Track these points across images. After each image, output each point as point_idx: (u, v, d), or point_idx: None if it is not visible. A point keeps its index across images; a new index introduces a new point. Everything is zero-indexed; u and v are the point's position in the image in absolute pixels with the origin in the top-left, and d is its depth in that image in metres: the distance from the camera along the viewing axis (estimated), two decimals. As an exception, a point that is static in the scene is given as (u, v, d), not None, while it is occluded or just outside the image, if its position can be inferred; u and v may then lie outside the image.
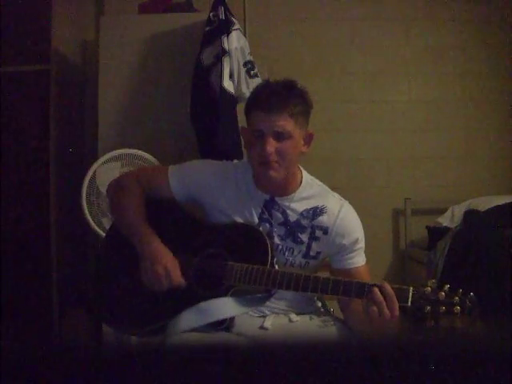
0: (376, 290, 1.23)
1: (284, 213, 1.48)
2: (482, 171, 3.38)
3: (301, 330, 1.42)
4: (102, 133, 2.67)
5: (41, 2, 2.84)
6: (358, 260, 1.49)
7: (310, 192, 1.51)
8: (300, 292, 1.33)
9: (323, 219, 1.48)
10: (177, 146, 2.65)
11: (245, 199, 1.49)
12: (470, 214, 2.82)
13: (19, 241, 2.83)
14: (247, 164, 1.53)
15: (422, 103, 3.39)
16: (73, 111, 3.10)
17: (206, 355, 0.59)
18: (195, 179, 1.52)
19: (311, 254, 1.49)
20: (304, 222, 1.48)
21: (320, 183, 1.56)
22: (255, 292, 1.40)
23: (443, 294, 1.20)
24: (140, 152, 2.45)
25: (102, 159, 2.40)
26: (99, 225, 2.33)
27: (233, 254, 1.40)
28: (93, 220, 2.33)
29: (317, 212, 1.48)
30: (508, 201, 2.77)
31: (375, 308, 1.22)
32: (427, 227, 3.03)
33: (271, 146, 1.38)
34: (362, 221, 1.52)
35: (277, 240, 1.47)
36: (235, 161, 1.65)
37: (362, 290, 1.26)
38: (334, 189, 1.56)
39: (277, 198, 1.49)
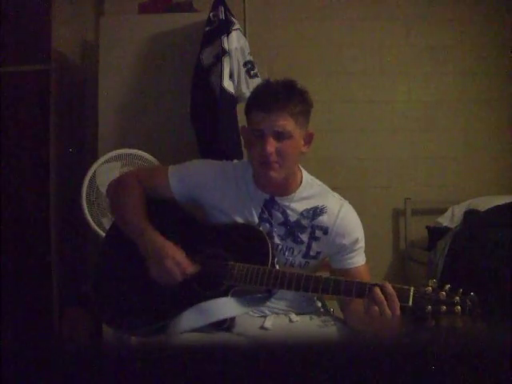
0: (377, 289, 1.23)
1: (284, 213, 1.48)
2: (482, 171, 3.38)
3: (301, 330, 1.43)
4: (101, 133, 2.68)
5: (41, 2, 2.84)
6: (358, 260, 1.49)
7: (310, 192, 1.51)
8: (301, 292, 1.33)
9: (323, 219, 1.48)
10: (177, 145, 2.65)
11: (245, 199, 1.49)
12: (470, 214, 2.82)
13: (19, 240, 2.83)
14: (247, 164, 1.54)
15: (422, 103, 3.39)
16: (73, 111, 3.10)
17: (207, 355, 0.59)
18: (195, 179, 1.52)
19: (311, 253, 1.49)
20: (304, 222, 1.48)
21: (320, 183, 1.56)
22: (256, 292, 1.40)
23: (444, 293, 1.20)
24: (140, 152, 2.45)
25: (101, 159, 2.40)
26: (99, 225, 2.33)
27: (233, 254, 1.40)
28: (93, 220, 2.33)
29: (317, 212, 1.48)
30: (508, 201, 2.77)
31: (376, 308, 1.22)
32: (427, 227, 3.03)
33: (271, 145, 1.38)
34: (362, 221, 1.52)
35: (277, 240, 1.47)
36: (235, 161, 1.65)
37: (363, 290, 1.26)
38: (334, 189, 1.56)
39: (277, 198, 1.49)
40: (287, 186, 1.49)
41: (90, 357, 0.59)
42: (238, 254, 1.40)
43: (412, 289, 1.23)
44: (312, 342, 0.63)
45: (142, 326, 1.42)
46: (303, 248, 1.48)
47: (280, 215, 1.48)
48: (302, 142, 1.46)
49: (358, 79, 3.34)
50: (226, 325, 1.35)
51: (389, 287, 1.23)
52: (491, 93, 3.39)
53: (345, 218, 1.49)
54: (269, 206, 1.49)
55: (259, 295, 1.41)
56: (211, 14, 2.49)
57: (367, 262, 1.51)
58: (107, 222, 2.27)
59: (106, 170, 2.36)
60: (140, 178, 1.56)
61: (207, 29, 2.49)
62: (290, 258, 1.48)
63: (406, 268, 3.31)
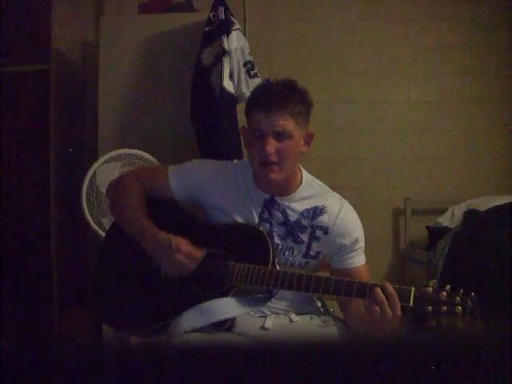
0: (378, 289, 1.23)
1: (284, 212, 1.48)
2: (482, 171, 3.38)
3: (301, 329, 1.43)
4: (101, 133, 2.67)
5: (41, 2, 2.84)
6: (358, 260, 1.49)
7: (310, 192, 1.51)
8: (302, 292, 1.33)
9: (323, 219, 1.48)
10: (177, 146, 2.65)
11: (245, 199, 1.49)
12: (469, 214, 2.82)
13: (19, 241, 2.83)
14: (247, 163, 1.54)
15: (422, 103, 3.39)
16: (73, 111, 3.09)
17: (207, 355, 0.59)
18: (195, 179, 1.52)
19: (311, 253, 1.49)
20: (304, 222, 1.48)
21: (320, 183, 1.56)
22: (256, 292, 1.40)
23: (445, 294, 1.20)
24: (140, 152, 2.45)
25: (101, 159, 2.40)
26: (99, 225, 2.33)
27: (234, 254, 1.40)
28: (93, 220, 2.33)
29: (317, 212, 1.48)
30: (508, 201, 2.77)
31: (377, 308, 1.22)
32: (427, 227, 3.03)
33: (271, 145, 1.38)
34: (362, 221, 1.52)
35: (277, 240, 1.47)
36: (235, 161, 1.65)
37: (363, 290, 1.26)
38: (334, 189, 1.56)
39: (277, 198, 1.49)
40: (287, 186, 1.49)
41: (89, 357, 0.59)
42: (238, 254, 1.40)
43: (413, 289, 1.23)
44: (313, 342, 0.63)
45: (142, 327, 1.42)
46: (303, 248, 1.48)
47: (280, 215, 1.48)
48: (302, 142, 1.46)
49: (358, 79, 3.34)
50: (226, 325, 1.35)
51: (390, 287, 1.23)
52: (491, 93, 3.39)
53: (345, 217, 1.49)
54: (269, 205, 1.49)
55: (260, 295, 1.41)
56: (211, 14, 2.49)
57: (367, 261, 1.51)
58: (107, 222, 2.27)
59: (105, 170, 2.36)
60: (140, 178, 1.56)
61: (207, 29, 2.49)
62: (290, 258, 1.48)
63: (406, 268, 3.31)
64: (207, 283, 1.39)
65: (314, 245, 1.48)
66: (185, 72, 2.59)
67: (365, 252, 1.52)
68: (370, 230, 1.57)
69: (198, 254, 1.38)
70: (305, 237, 1.48)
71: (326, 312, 1.60)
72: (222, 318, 1.33)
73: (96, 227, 2.33)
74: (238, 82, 2.48)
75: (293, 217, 1.48)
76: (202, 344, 1.21)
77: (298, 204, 1.49)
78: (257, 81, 2.44)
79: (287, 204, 1.49)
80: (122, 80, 2.69)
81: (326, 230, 1.47)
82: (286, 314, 1.49)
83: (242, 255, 1.39)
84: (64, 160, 2.91)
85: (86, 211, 2.33)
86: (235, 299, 1.36)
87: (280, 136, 1.39)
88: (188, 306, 1.35)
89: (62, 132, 2.91)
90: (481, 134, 3.39)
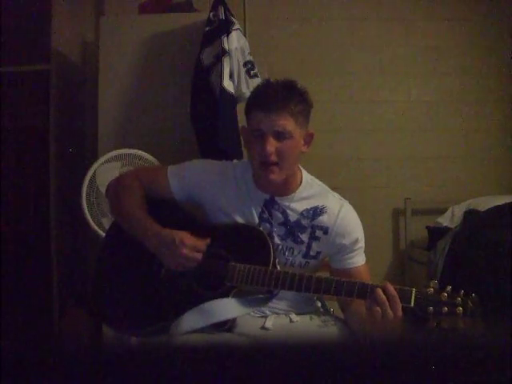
0: (379, 290, 1.23)
1: (284, 213, 1.48)
2: (482, 171, 3.38)
3: (302, 330, 1.43)
4: (101, 133, 2.67)
5: (41, 2, 2.84)
6: (358, 260, 1.49)
7: (310, 192, 1.51)
8: (302, 293, 1.33)
9: (323, 219, 1.48)
10: (177, 145, 2.65)
11: (245, 199, 1.49)
12: (469, 214, 2.82)
13: (19, 241, 2.83)
14: (247, 163, 1.54)
15: (422, 103, 3.39)
16: (73, 111, 3.09)
17: (208, 355, 0.59)
18: (195, 179, 1.52)
19: (311, 253, 1.49)
20: (304, 222, 1.47)
21: (320, 183, 1.56)
22: (257, 293, 1.40)
23: (445, 294, 1.20)
24: (140, 152, 2.45)
25: (102, 159, 2.40)
26: (99, 225, 2.33)
27: (234, 255, 1.40)
28: (93, 220, 2.33)
29: (317, 212, 1.48)
30: (508, 201, 2.77)
31: (378, 309, 1.22)
32: (427, 227, 3.03)
33: (271, 145, 1.38)
34: (362, 221, 1.52)
35: (277, 240, 1.47)
36: (235, 160, 1.65)
37: (364, 291, 1.26)
38: (334, 189, 1.56)
39: (277, 198, 1.49)
40: (287, 186, 1.49)
41: (90, 357, 0.59)
42: (239, 255, 1.39)
43: (414, 290, 1.23)
44: (313, 342, 0.63)
45: (143, 327, 1.42)
46: (303, 248, 1.48)
47: (280, 215, 1.48)
48: (302, 142, 1.46)
49: (358, 79, 3.34)
50: (227, 326, 1.35)
51: (391, 288, 1.23)
52: (491, 93, 3.39)
53: (345, 217, 1.48)
54: (269, 205, 1.48)
55: (260, 296, 1.40)
56: (211, 14, 2.49)
57: (367, 261, 1.51)
58: (107, 222, 2.27)
59: (105, 169, 2.36)
60: (139, 178, 1.56)
61: (207, 29, 2.49)
62: (290, 258, 1.48)
63: (406, 268, 3.31)
64: (208, 283, 1.38)
65: (314, 245, 1.48)
66: (185, 72, 2.59)
67: (365, 252, 1.51)
68: (369, 230, 1.57)
69: (202, 244, 1.38)
70: (305, 237, 1.48)
71: (326, 312, 1.60)
72: (222, 318, 1.33)
73: (96, 227, 2.32)
74: (238, 82, 2.48)
75: (293, 217, 1.48)
76: (202, 344, 1.21)
77: (297, 204, 1.49)
78: (257, 81, 2.44)
79: (287, 204, 1.48)
80: (121, 80, 2.69)
81: (326, 230, 1.47)
82: (286, 314, 1.49)
83: (242, 256, 1.39)
84: (64, 160, 2.91)
85: (86, 211, 2.33)
86: (236, 300, 1.36)
87: (280, 136, 1.39)
88: (188, 307, 1.34)
89: (62, 132, 2.91)
90: (481, 134, 3.39)
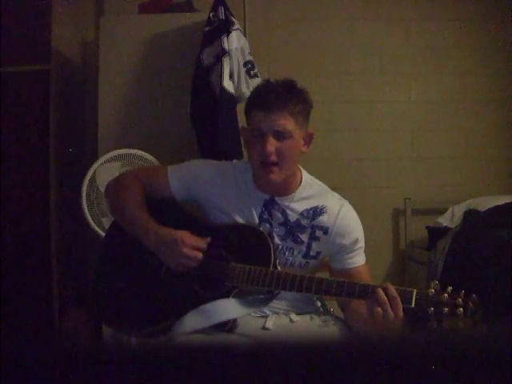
0: (380, 290, 1.23)
1: (284, 213, 1.48)
2: (482, 171, 3.38)
3: (302, 329, 1.43)
4: (101, 133, 2.67)
5: (41, 2, 2.84)
6: (358, 260, 1.49)
7: (310, 192, 1.51)
8: (303, 293, 1.33)
9: (323, 219, 1.48)
10: (177, 146, 2.65)
11: (245, 199, 1.49)
12: (469, 214, 2.82)
13: (19, 241, 2.83)
14: (247, 163, 1.53)
15: (422, 103, 3.39)
16: (73, 111, 3.09)
17: (210, 356, 0.59)
18: (195, 179, 1.52)
19: (311, 253, 1.49)
20: (304, 222, 1.47)
21: (320, 183, 1.56)
22: (257, 293, 1.39)
23: (446, 295, 1.20)
24: (140, 152, 2.45)
25: (102, 159, 2.40)
26: (99, 225, 2.33)
27: (235, 255, 1.40)
28: (93, 220, 2.33)
29: (317, 212, 1.48)
30: (508, 201, 2.77)
31: (379, 309, 1.22)
32: (427, 227, 3.03)
33: (271, 145, 1.38)
34: (361, 221, 1.52)
35: (277, 240, 1.47)
36: (235, 160, 1.64)
37: (365, 292, 1.26)
38: (333, 189, 1.56)
39: (277, 198, 1.49)
40: (287, 186, 1.49)
41: (90, 357, 0.59)
42: (239, 255, 1.39)
43: (415, 291, 1.23)
44: (314, 342, 0.63)
45: (143, 328, 1.41)
46: (303, 248, 1.48)
47: (280, 215, 1.48)
48: (302, 142, 1.46)
49: (358, 79, 3.34)
50: (228, 326, 1.35)
51: (391, 289, 1.23)
52: (491, 93, 3.39)
53: (345, 217, 1.49)
54: (269, 206, 1.48)
55: (261, 296, 1.40)
56: (211, 14, 2.49)
57: (367, 261, 1.51)
58: (107, 222, 2.27)
59: (105, 170, 2.36)
60: (139, 178, 1.55)
61: (207, 29, 2.48)
62: (290, 259, 1.48)
63: (406, 268, 3.31)
64: (208, 284, 1.38)
65: (314, 245, 1.48)
66: (185, 72, 2.59)
67: (365, 252, 1.52)
68: (369, 230, 1.57)
69: (202, 243, 1.38)
70: (305, 237, 1.48)
71: (326, 312, 1.60)
72: (223, 319, 1.33)
73: (96, 227, 2.32)
74: (238, 81, 2.48)
75: (293, 217, 1.48)
76: (203, 345, 1.22)
77: (297, 204, 1.49)
78: (257, 81, 2.43)
79: (287, 204, 1.48)
80: (121, 80, 2.69)
81: (325, 230, 1.47)
82: (286, 314, 1.49)
83: (242, 256, 1.39)
84: (64, 160, 2.91)
85: (86, 211, 2.33)
86: (236, 300, 1.36)
87: (280, 135, 1.39)
88: (189, 307, 1.34)
89: (62, 132, 2.91)
90: (481, 134, 3.39)
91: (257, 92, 1.48)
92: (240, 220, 1.47)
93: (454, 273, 2.53)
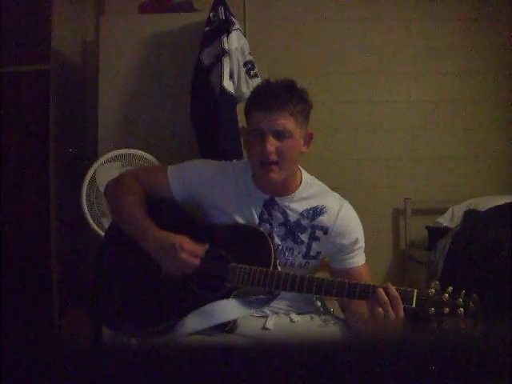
0: (381, 290, 1.23)
1: (284, 213, 1.48)
2: (482, 171, 3.38)
3: (303, 329, 1.43)
4: (101, 133, 2.67)
5: (41, 2, 2.84)
6: (358, 260, 1.49)
7: (310, 192, 1.51)
8: (304, 294, 1.33)
9: (323, 219, 1.47)
10: (177, 146, 2.65)
11: (245, 199, 1.49)
12: (469, 214, 2.82)
13: (19, 240, 2.83)
14: (247, 163, 1.53)
15: (422, 103, 3.39)
16: (73, 111, 3.09)
17: (210, 357, 0.59)
18: (195, 179, 1.52)
19: (311, 254, 1.49)
20: (304, 222, 1.47)
21: (320, 183, 1.56)
22: (258, 293, 1.39)
23: (447, 295, 1.20)
24: (140, 152, 2.45)
25: (102, 159, 2.40)
26: (99, 225, 2.33)
27: (235, 256, 1.40)
28: (93, 220, 2.33)
29: (317, 212, 1.48)
30: (508, 201, 2.77)
31: (381, 309, 1.22)
32: (427, 227, 3.03)
33: (272, 144, 1.38)
34: (361, 221, 1.52)
35: (277, 240, 1.47)
36: (234, 160, 1.64)
37: (366, 292, 1.26)
38: (333, 189, 1.56)
39: (277, 198, 1.49)
40: (287, 186, 1.49)
41: (90, 357, 0.59)
42: (239, 256, 1.39)
43: (415, 291, 1.23)
44: (314, 342, 0.63)
45: (143, 329, 1.41)
46: (303, 248, 1.48)
47: (280, 215, 1.48)
48: (302, 142, 1.46)
49: (358, 79, 3.34)
50: (228, 327, 1.35)
51: (392, 289, 1.23)
52: (491, 93, 3.39)
53: (345, 217, 1.48)
54: (269, 206, 1.48)
55: (261, 297, 1.40)
56: (211, 14, 2.49)
57: (367, 261, 1.51)
58: (107, 222, 2.27)
59: (105, 170, 2.36)
60: (139, 178, 1.55)
61: (207, 29, 2.48)
62: (290, 259, 1.48)
63: (406, 268, 3.32)
64: (208, 285, 1.38)
65: (314, 245, 1.48)
66: (185, 72, 2.59)
67: (365, 252, 1.51)
68: (369, 230, 1.57)
69: (200, 250, 1.38)
70: (305, 237, 1.48)
71: (326, 311, 1.60)
72: (223, 320, 1.33)
73: (96, 227, 2.32)
74: (238, 81, 2.48)
75: (293, 217, 1.48)
76: (203, 345, 1.21)
77: (297, 204, 1.49)
78: (257, 81, 2.43)
79: (287, 204, 1.48)
80: (121, 80, 2.69)
81: (325, 230, 1.47)
82: (286, 314, 1.49)
83: (243, 256, 1.39)
84: (64, 160, 2.91)
85: (86, 211, 2.33)
86: (237, 301, 1.36)
87: (280, 135, 1.39)
88: (189, 308, 1.34)
89: (62, 132, 2.91)
90: (481, 134, 3.39)
91: (257, 92, 1.48)
92: (240, 220, 1.47)
93: (454, 273, 2.53)
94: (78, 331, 2.63)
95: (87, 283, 2.62)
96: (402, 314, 1.22)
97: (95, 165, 2.38)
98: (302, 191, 1.50)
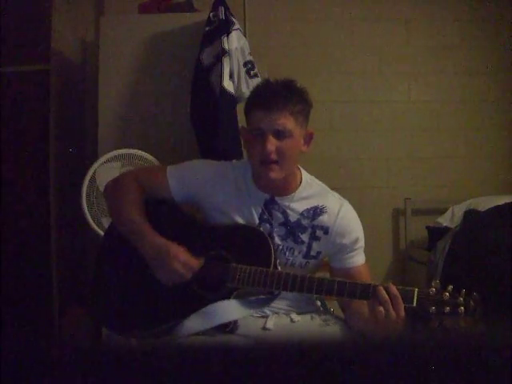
0: (381, 289, 1.23)
1: (284, 213, 1.48)
2: (482, 171, 3.38)
3: (303, 329, 1.42)
4: (102, 133, 2.67)
5: (41, 2, 2.84)
6: (358, 259, 1.49)
7: (310, 192, 1.51)
8: (304, 293, 1.33)
9: (323, 219, 1.47)
10: (177, 146, 2.65)
11: (245, 199, 1.49)
12: (469, 214, 2.82)
13: (19, 241, 2.83)
14: (246, 163, 1.53)
15: (422, 103, 3.39)
16: (73, 111, 3.09)
17: (210, 357, 0.59)
18: (194, 179, 1.51)
19: (312, 253, 1.48)
20: (304, 222, 1.47)
21: (319, 183, 1.56)
22: (258, 294, 1.39)
23: (447, 294, 1.21)
24: (140, 152, 2.45)
25: (102, 159, 2.40)
26: (99, 225, 2.33)
27: (235, 256, 1.39)
28: (93, 220, 2.33)
29: (317, 212, 1.48)
30: (508, 201, 2.77)
31: (382, 308, 1.22)
32: (427, 227, 3.03)
33: (272, 144, 1.38)
34: (361, 221, 1.52)
35: (277, 240, 1.47)
36: (234, 161, 1.64)
37: (367, 292, 1.26)
38: (333, 189, 1.56)
39: (277, 198, 1.49)
40: (287, 186, 1.49)
41: (90, 357, 0.59)
42: (239, 256, 1.39)
43: (416, 290, 1.23)
44: (316, 342, 0.63)
45: (143, 330, 1.41)
46: (304, 248, 1.48)
47: (280, 215, 1.48)
48: (302, 142, 1.46)
49: (358, 79, 3.34)
50: (229, 327, 1.35)
51: (393, 288, 1.23)
52: (491, 93, 3.39)
53: (345, 217, 1.49)
54: (269, 206, 1.48)
55: (262, 297, 1.40)
56: (211, 14, 2.49)
57: (367, 261, 1.51)
58: (107, 222, 2.27)
59: (105, 170, 2.36)
60: (138, 179, 1.54)
61: (207, 29, 2.48)
62: (291, 259, 1.48)
63: (406, 268, 3.31)
64: (209, 285, 1.38)
65: (315, 245, 1.48)
66: (185, 72, 2.59)
67: (365, 252, 1.52)
68: (369, 230, 1.58)
69: (196, 263, 1.37)
70: (305, 237, 1.47)
71: (326, 311, 1.60)
72: (224, 320, 1.33)
73: (96, 227, 2.32)
74: (238, 81, 2.48)
75: (293, 217, 1.48)
76: (204, 345, 1.21)
77: (297, 204, 1.49)
78: (257, 81, 2.43)
79: (287, 204, 1.48)
80: (121, 80, 2.69)
81: (326, 230, 1.47)
82: (286, 314, 1.49)
83: (243, 257, 1.39)
84: (64, 160, 2.91)
85: (86, 211, 2.33)
86: (237, 301, 1.36)
87: (280, 135, 1.39)
88: (189, 309, 1.34)
89: (62, 132, 2.91)
90: (481, 134, 3.39)
91: (257, 91, 1.48)
92: (240, 220, 1.47)
93: (454, 273, 2.53)
94: (78, 331, 2.63)
95: (87, 283, 2.62)
96: (402, 313, 1.22)
97: (95, 165, 2.38)
98: (302, 191, 1.50)
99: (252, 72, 2.51)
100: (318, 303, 1.65)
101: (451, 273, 2.54)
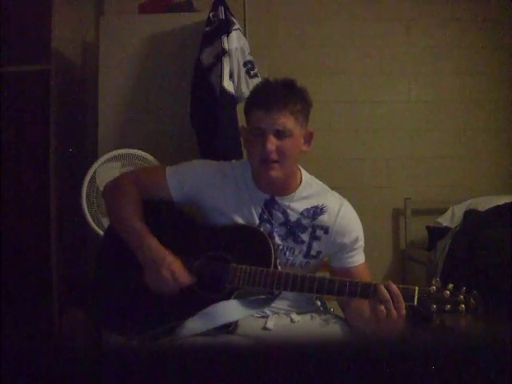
0: (382, 288, 1.23)
1: (284, 212, 1.48)
2: (482, 171, 3.38)
3: (303, 329, 1.42)
4: (102, 133, 2.67)
5: (41, 2, 2.84)
6: (358, 259, 1.49)
7: (310, 191, 1.51)
8: (305, 293, 1.33)
9: (324, 218, 1.47)
10: (177, 145, 2.65)
11: (245, 199, 1.49)
12: (469, 214, 2.82)
13: (19, 241, 2.83)
14: (246, 163, 1.53)
15: (422, 103, 3.39)
16: (73, 111, 3.09)
17: (211, 358, 0.59)
18: (194, 180, 1.51)
19: (312, 253, 1.48)
20: (305, 222, 1.47)
21: (319, 182, 1.56)
22: (259, 294, 1.39)
23: (448, 292, 1.21)
24: (140, 152, 2.45)
25: (102, 159, 2.40)
26: (99, 225, 2.33)
27: (235, 256, 1.39)
28: (93, 220, 2.33)
29: (317, 211, 1.48)
30: (508, 201, 2.77)
31: (383, 307, 1.22)
32: (427, 227, 3.03)
33: (272, 143, 1.37)
34: (361, 221, 1.53)
35: (278, 240, 1.47)
36: (234, 160, 1.64)
37: (367, 291, 1.26)
38: (333, 189, 1.56)
39: (277, 198, 1.49)
40: (287, 186, 1.49)
41: (90, 357, 0.59)
42: (239, 256, 1.39)
43: (417, 288, 1.23)
44: (316, 342, 0.63)
45: (144, 331, 1.40)
46: (304, 248, 1.48)
47: (280, 215, 1.48)
48: (302, 141, 1.46)
49: (358, 79, 3.34)
50: (230, 328, 1.35)
51: (394, 287, 1.23)
52: (491, 93, 3.39)
53: (345, 216, 1.49)
54: (269, 206, 1.48)
55: (262, 297, 1.40)
56: (211, 14, 2.49)
57: (367, 261, 1.51)
58: (107, 222, 2.27)
59: (105, 170, 2.36)
60: (137, 180, 1.54)
61: (207, 29, 2.48)
62: (291, 258, 1.48)
63: (406, 268, 3.31)
64: (209, 285, 1.38)
65: (315, 244, 1.48)
66: (185, 72, 2.59)
67: (365, 252, 1.52)
68: (369, 230, 1.58)
69: (186, 279, 1.37)
70: (305, 237, 1.47)
71: (326, 311, 1.60)
72: (226, 321, 1.33)
73: (96, 227, 2.32)
74: (238, 81, 2.48)
75: (293, 217, 1.48)
76: (204, 346, 1.21)
77: (298, 204, 1.48)
78: (257, 81, 2.43)
79: (287, 204, 1.48)
80: (121, 80, 2.69)
81: (326, 230, 1.47)
82: (286, 314, 1.48)
83: (243, 257, 1.38)
84: (64, 160, 2.91)
85: (86, 211, 2.33)
86: (238, 301, 1.35)
87: (280, 134, 1.38)
88: (190, 309, 1.33)
89: (62, 132, 2.91)
90: (481, 134, 3.39)
91: (257, 91, 1.47)
92: (240, 220, 1.47)
93: (454, 273, 2.53)
94: (78, 331, 2.63)
95: (87, 283, 2.62)
96: (403, 312, 1.22)
97: (95, 165, 2.38)
98: (302, 191, 1.50)
99: (252, 72, 2.51)
100: (318, 303, 1.64)
101: (451, 273, 2.55)
